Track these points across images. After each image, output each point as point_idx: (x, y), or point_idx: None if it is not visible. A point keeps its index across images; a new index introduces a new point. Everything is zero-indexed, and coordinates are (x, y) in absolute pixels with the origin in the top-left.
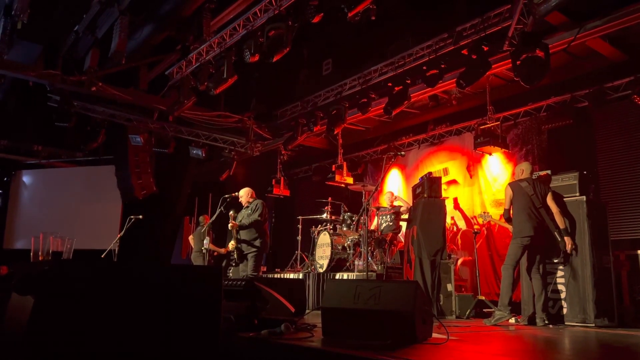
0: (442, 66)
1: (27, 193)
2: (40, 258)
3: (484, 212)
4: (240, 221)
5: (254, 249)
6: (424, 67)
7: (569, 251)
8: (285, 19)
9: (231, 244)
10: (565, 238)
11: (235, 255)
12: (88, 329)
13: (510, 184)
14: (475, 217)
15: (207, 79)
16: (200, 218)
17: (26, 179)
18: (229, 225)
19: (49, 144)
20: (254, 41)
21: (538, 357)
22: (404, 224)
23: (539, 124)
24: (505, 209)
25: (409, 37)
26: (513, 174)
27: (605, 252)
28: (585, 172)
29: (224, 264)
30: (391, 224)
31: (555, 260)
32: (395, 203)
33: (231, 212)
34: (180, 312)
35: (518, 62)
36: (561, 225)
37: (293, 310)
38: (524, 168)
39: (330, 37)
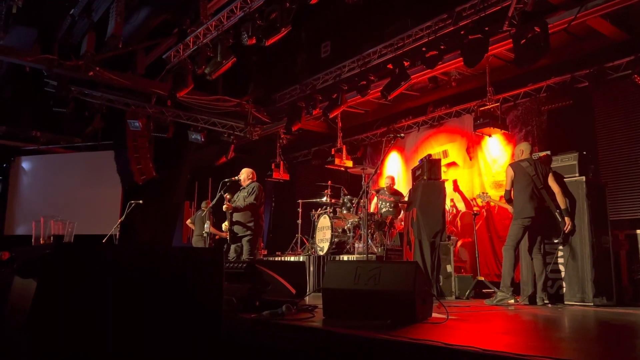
0: (442, 47)
1: (26, 179)
2: (41, 242)
3: (483, 193)
4: (235, 203)
5: (248, 233)
6: (424, 49)
7: (567, 231)
8: (283, 1)
9: (224, 225)
10: (566, 218)
11: (228, 237)
12: (91, 312)
13: (511, 165)
14: (474, 198)
15: (205, 62)
16: (203, 203)
17: (25, 165)
18: (224, 207)
19: (47, 129)
20: (251, 24)
21: (537, 335)
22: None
23: (539, 105)
24: (506, 190)
25: (407, 18)
26: (513, 155)
27: (605, 232)
28: (584, 153)
29: (225, 247)
30: (391, 209)
31: (555, 241)
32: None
33: (226, 194)
34: (182, 294)
35: (518, 43)
36: (562, 206)
37: (294, 292)
38: (524, 148)
39: (329, 19)
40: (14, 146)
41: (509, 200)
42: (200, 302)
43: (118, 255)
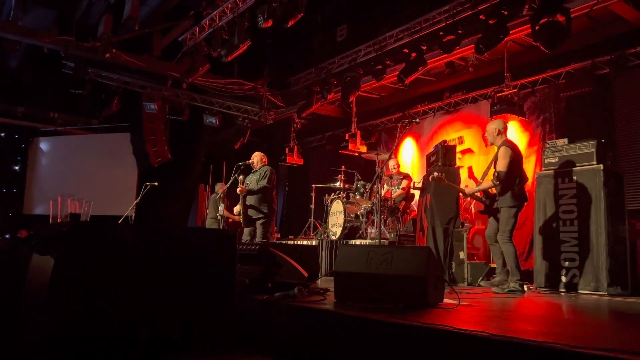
0: (460, 31)
1: (44, 160)
2: (58, 220)
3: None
4: (249, 186)
5: (262, 216)
6: (441, 33)
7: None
8: None
9: (236, 209)
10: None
11: (242, 220)
12: (106, 288)
13: (509, 146)
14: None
15: (221, 45)
16: (217, 186)
17: (43, 145)
18: (238, 190)
19: (65, 111)
20: (267, 6)
21: (548, 322)
22: (417, 193)
23: (557, 91)
24: (502, 172)
25: (425, 2)
26: (529, 143)
27: (621, 221)
28: (603, 141)
29: (239, 230)
30: (400, 190)
31: (564, 229)
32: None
33: (240, 177)
34: (197, 274)
35: (537, 27)
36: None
37: (306, 275)
38: (500, 127)
39: (345, 2)
40: (32, 127)
41: (501, 182)
42: (214, 282)
43: (133, 234)
